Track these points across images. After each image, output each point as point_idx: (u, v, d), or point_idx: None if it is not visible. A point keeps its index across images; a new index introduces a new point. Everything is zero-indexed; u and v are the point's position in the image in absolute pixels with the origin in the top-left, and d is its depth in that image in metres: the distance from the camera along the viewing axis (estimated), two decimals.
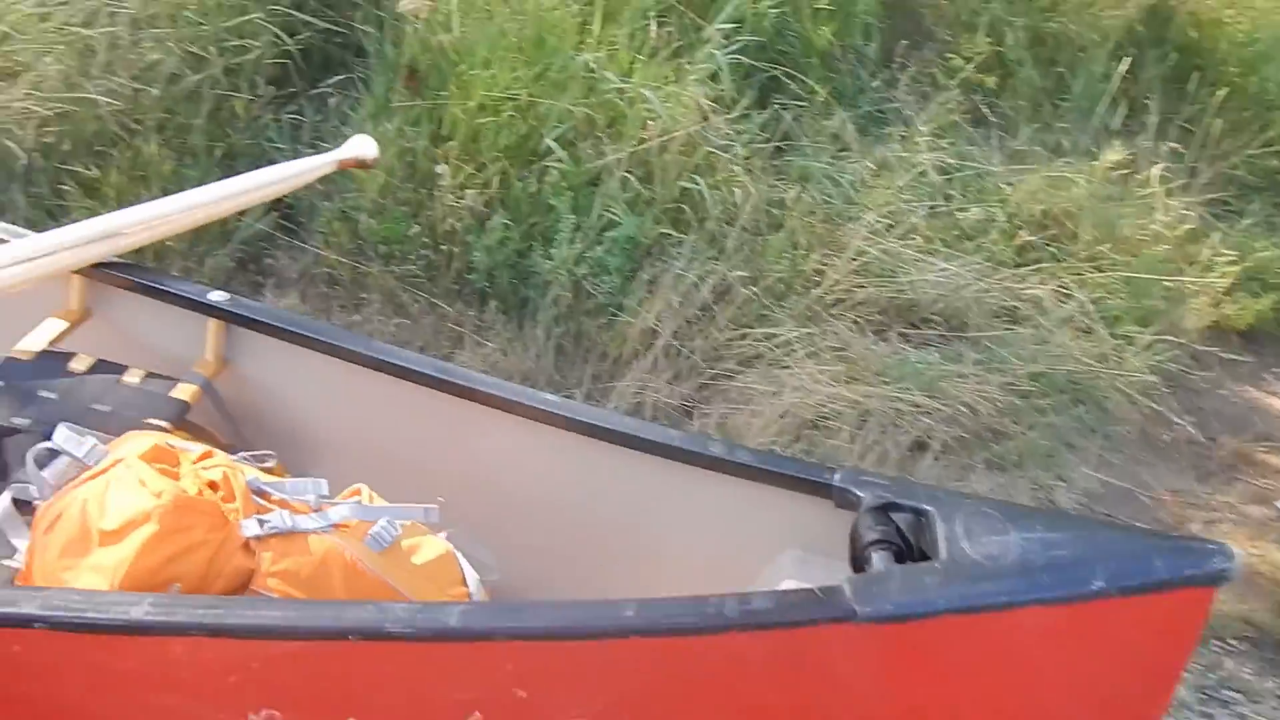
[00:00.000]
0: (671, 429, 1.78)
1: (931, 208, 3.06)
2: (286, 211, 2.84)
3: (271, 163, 2.81)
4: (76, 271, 1.87)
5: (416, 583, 1.50)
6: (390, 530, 1.50)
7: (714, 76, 3.09)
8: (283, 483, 1.48)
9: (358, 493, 1.59)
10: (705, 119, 2.97)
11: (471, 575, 1.59)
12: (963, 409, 2.62)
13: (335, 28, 3.04)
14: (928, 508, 1.47)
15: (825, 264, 2.94)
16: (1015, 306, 2.90)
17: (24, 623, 1.19)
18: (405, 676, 1.33)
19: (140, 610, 1.22)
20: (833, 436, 2.56)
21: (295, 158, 2.83)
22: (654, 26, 3.16)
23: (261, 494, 1.44)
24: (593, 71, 2.96)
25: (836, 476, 1.59)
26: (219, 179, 2.14)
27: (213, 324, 1.87)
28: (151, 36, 2.81)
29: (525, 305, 2.73)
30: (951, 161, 3.16)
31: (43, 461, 1.45)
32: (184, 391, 1.79)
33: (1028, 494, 2.52)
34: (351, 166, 2.13)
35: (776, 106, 3.21)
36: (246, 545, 1.39)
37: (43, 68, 2.63)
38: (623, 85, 2.94)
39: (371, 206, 2.79)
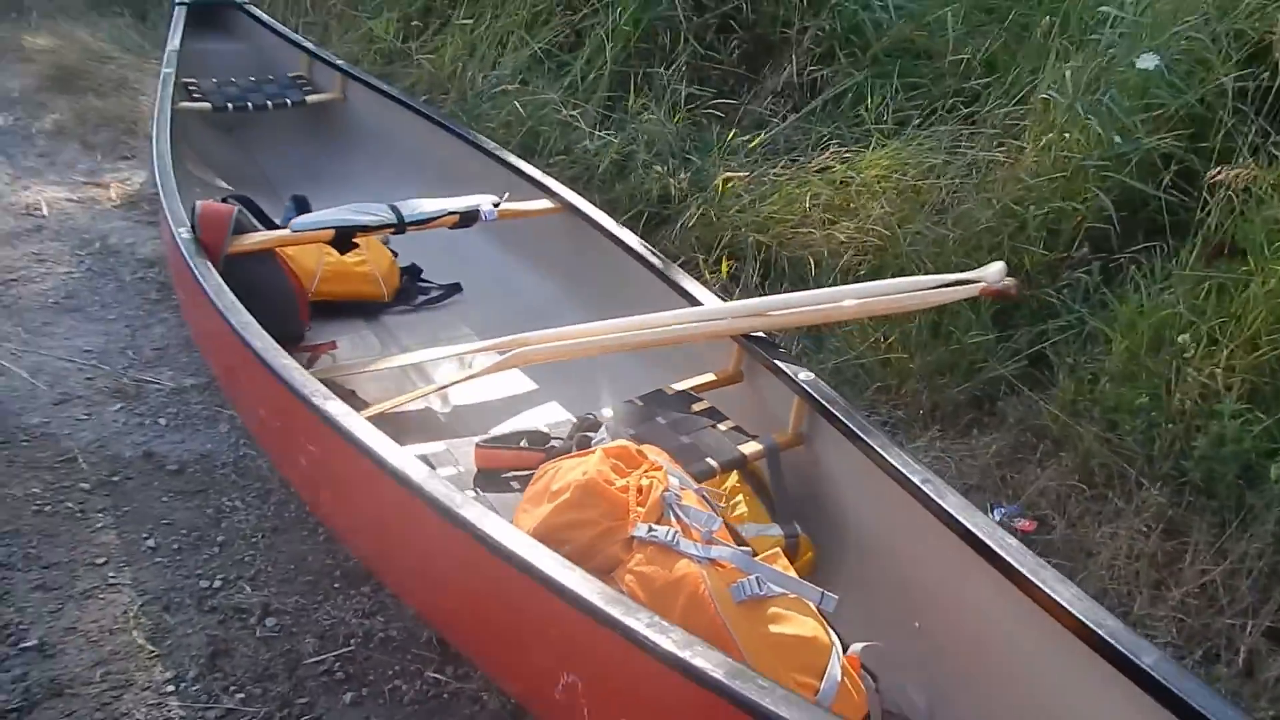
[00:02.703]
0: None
1: None
2: (1041, 362, 2.82)
3: (1047, 316, 2.88)
4: (736, 340, 2.27)
5: (760, 647, 1.50)
6: (756, 587, 1.53)
7: None
8: (689, 509, 1.64)
9: (776, 558, 1.65)
10: None
11: (831, 679, 1.50)
12: None
13: (1161, 196, 2.89)
14: None
15: None
16: None
17: (453, 520, 1.62)
18: (656, 696, 1.39)
19: (516, 545, 1.54)
20: None
21: (1068, 314, 2.84)
22: None
23: (672, 509, 1.63)
24: None
25: None
26: None
27: (797, 401, 2.09)
28: (977, 193, 3.10)
29: (1242, 512, 2.24)
30: None
31: (581, 443, 1.89)
32: (749, 449, 2.06)
33: None
34: (994, 295, 2.10)
35: None
36: (630, 541, 1.60)
37: (872, 209, 3.14)
38: None
39: (1119, 370, 2.61)
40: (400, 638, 2.03)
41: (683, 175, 3.44)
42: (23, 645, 1.95)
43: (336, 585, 2.15)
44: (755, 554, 1.62)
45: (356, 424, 1.88)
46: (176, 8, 4.13)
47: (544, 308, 3.03)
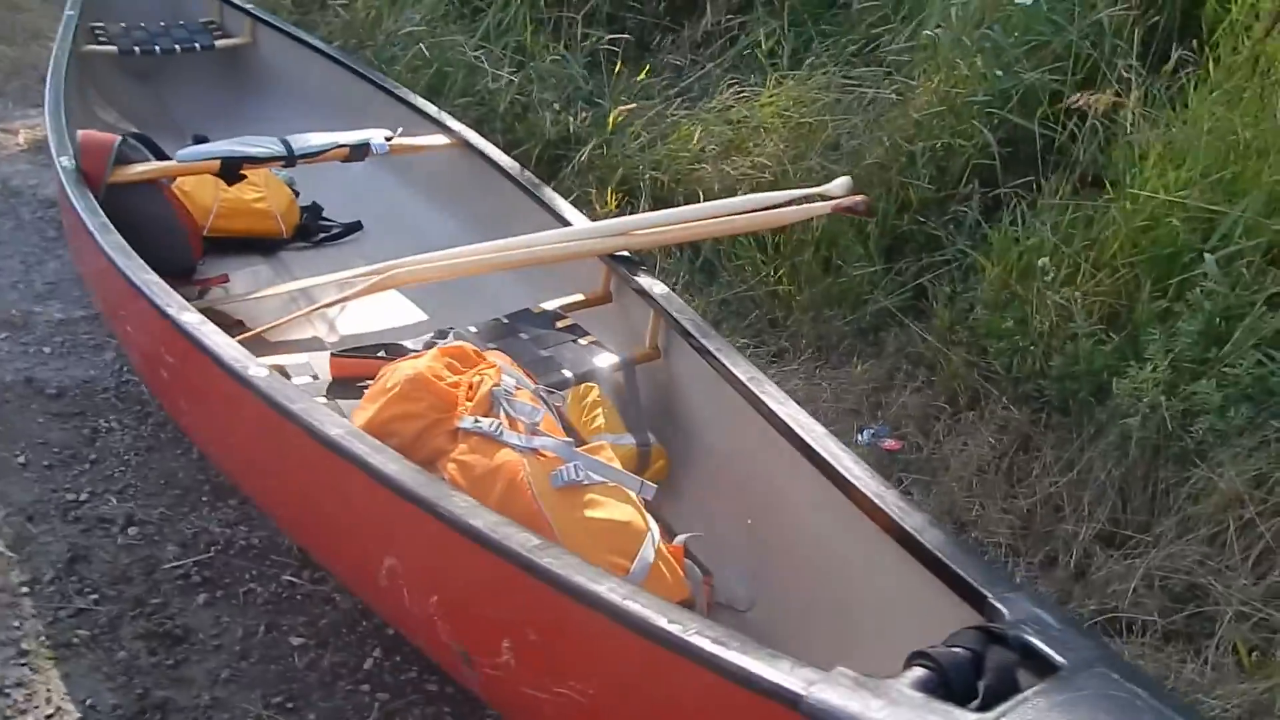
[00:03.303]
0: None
1: None
2: (924, 294, 2.89)
3: (933, 249, 2.94)
4: (605, 262, 2.31)
5: (575, 530, 1.56)
6: (574, 474, 1.59)
7: None
8: (518, 403, 1.68)
9: (600, 449, 1.70)
10: None
11: (643, 561, 1.56)
12: None
13: (1039, 130, 2.95)
14: (1061, 661, 1.05)
15: None
16: None
17: (288, 415, 1.66)
18: (462, 571, 1.44)
19: (339, 435, 1.58)
20: None
21: (951, 248, 2.90)
22: None
23: (500, 403, 1.67)
24: None
25: (1008, 596, 1.20)
26: None
27: (653, 315, 2.14)
28: (869, 131, 3.15)
29: (1091, 427, 2.32)
30: None
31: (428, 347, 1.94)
32: (605, 362, 2.11)
33: None
34: (844, 211, 2.16)
35: None
36: (455, 433, 1.64)
37: (767, 146, 3.18)
38: None
39: (990, 298, 2.68)
40: (261, 545, 2.07)
41: (584, 115, 3.47)
42: None
43: (204, 498, 2.19)
44: (579, 445, 1.67)
45: (207, 331, 1.91)
46: None
47: (442, 242, 3.04)
